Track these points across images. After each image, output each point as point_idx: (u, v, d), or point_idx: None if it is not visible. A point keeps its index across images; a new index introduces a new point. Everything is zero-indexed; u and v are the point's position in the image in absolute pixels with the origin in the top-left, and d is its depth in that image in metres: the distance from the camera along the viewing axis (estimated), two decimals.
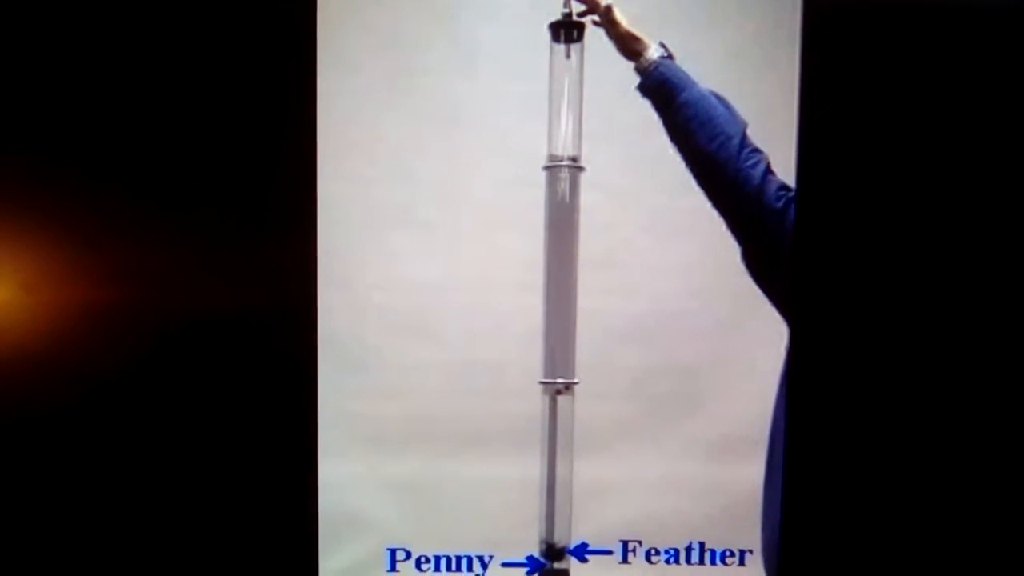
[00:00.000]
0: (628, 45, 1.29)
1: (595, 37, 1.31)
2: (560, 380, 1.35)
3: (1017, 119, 1.32)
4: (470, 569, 1.39)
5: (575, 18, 1.30)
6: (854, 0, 1.28)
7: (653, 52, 1.29)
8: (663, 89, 1.29)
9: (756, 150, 1.30)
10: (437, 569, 1.39)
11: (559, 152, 1.32)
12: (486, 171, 1.32)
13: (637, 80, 1.30)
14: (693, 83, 1.29)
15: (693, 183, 1.31)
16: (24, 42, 1.27)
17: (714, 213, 1.32)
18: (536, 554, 1.39)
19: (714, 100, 1.30)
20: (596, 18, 1.30)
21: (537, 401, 1.36)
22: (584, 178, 1.33)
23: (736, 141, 1.29)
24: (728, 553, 1.40)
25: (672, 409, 1.36)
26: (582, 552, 1.39)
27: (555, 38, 1.31)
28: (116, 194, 1.30)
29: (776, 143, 1.31)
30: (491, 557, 1.39)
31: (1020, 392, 1.35)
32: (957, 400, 1.35)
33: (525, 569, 1.39)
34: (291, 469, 1.35)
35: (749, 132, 1.30)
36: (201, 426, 1.34)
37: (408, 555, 1.38)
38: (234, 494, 1.35)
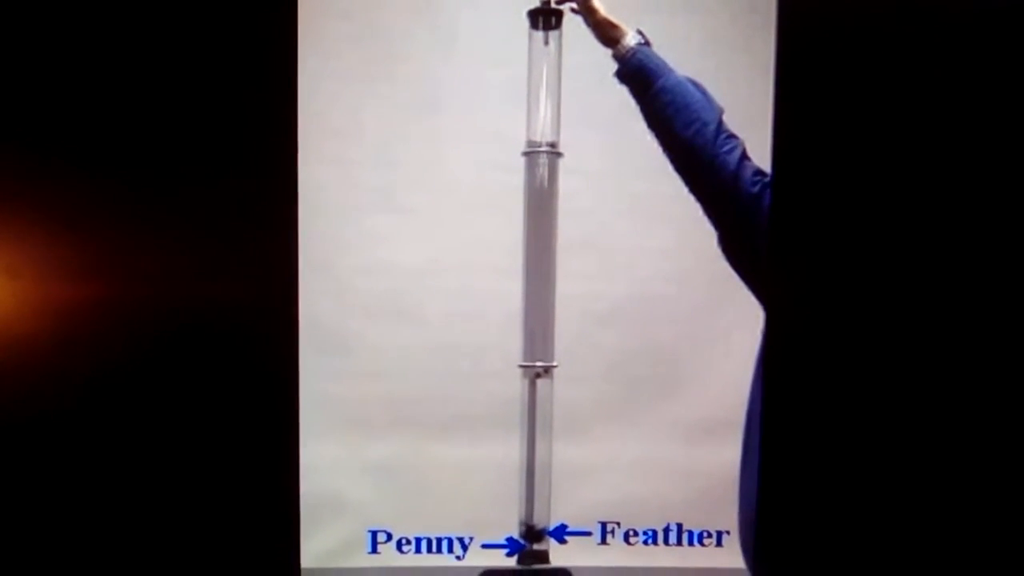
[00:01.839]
0: (606, 32, 1.31)
1: (573, 24, 1.32)
2: (539, 363, 1.37)
3: (993, 104, 1.33)
4: (450, 551, 1.41)
5: (553, 5, 1.32)
6: None
7: (630, 39, 1.30)
8: (640, 76, 1.31)
9: (732, 136, 1.32)
10: (418, 551, 1.40)
11: (538, 138, 1.34)
12: (466, 157, 1.34)
13: (615, 67, 1.31)
14: (670, 70, 1.31)
15: (670, 169, 1.33)
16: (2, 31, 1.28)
17: (691, 198, 1.33)
18: (516, 535, 1.41)
19: (691, 86, 1.31)
20: (574, 5, 1.31)
21: (517, 384, 1.38)
22: (563, 164, 1.34)
23: (712, 127, 1.31)
24: (706, 534, 1.41)
25: (650, 392, 1.38)
26: (561, 533, 1.41)
27: (533, 25, 1.32)
28: (97, 180, 1.31)
29: (752, 129, 1.32)
30: (471, 539, 1.40)
31: (994, 373, 1.36)
32: (933, 384, 1.37)
33: (505, 550, 1.41)
34: (272, 452, 1.36)
35: (725, 118, 1.32)
36: (181, 410, 1.35)
37: (389, 537, 1.40)
38: (215, 477, 1.36)
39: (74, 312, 1.32)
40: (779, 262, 1.35)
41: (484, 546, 1.41)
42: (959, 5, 1.32)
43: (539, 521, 1.40)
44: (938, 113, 1.33)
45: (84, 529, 1.35)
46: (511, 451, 1.39)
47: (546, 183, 1.34)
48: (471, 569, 1.41)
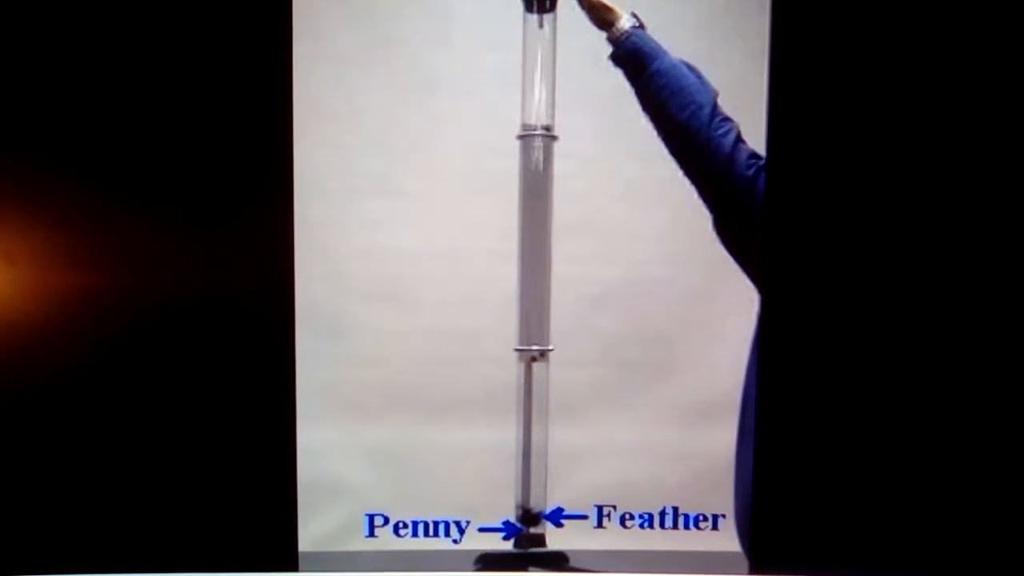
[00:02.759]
0: (600, 15, 1.31)
1: (568, 7, 1.32)
2: (535, 347, 1.37)
3: (986, 89, 1.33)
4: (447, 534, 1.41)
5: None
6: None
7: (625, 22, 1.31)
8: (635, 59, 1.31)
9: (727, 119, 1.32)
10: (415, 535, 1.41)
11: (533, 121, 1.34)
12: (461, 140, 1.33)
13: (609, 50, 1.32)
14: (664, 53, 1.31)
15: (665, 152, 1.33)
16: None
17: (686, 181, 1.34)
18: (512, 519, 1.41)
19: (685, 69, 1.32)
20: None
21: (512, 368, 1.38)
22: (558, 147, 1.34)
23: (707, 110, 1.32)
24: (702, 518, 1.42)
25: (646, 375, 1.38)
26: (557, 517, 1.41)
27: (528, 8, 1.32)
28: (92, 168, 1.31)
29: (747, 112, 1.33)
30: (468, 522, 1.41)
31: (990, 358, 1.37)
32: (927, 368, 1.37)
33: (501, 534, 1.41)
34: (269, 436, 1.37)
35: (720, 101, 1.32)
36: (179, 396, 1.35)
37: (386, 521, 1.40)
38: (213, 462, 1.37)
39: (69, 298, 1.32)
40: (774, 245, 1.35)
41: (481, 530, 1.41)
42: None
43: (535, 505, 1.41)
44: (931, 98, 1.34)
45: (81, 513, 1.36)
46: (507, 435, 1.39)
47: (541, 167, 1.34)
48: (468, 552, 1.41)
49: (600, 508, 1.42)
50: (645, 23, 1.31)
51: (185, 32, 1.30)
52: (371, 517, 1.40)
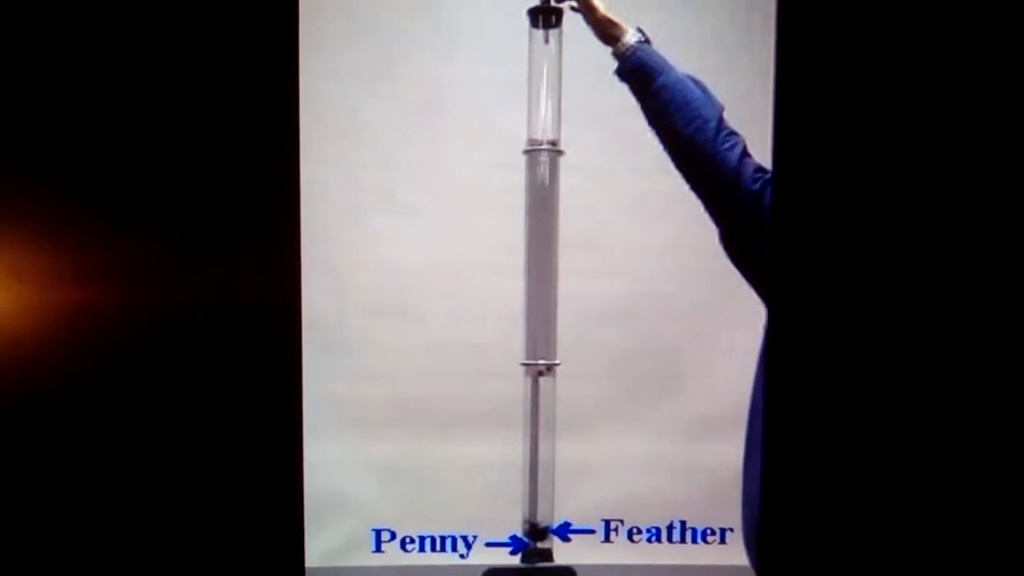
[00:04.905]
0: (606, 30, 1.31)
1: (573, 22, 1.32)
2: (542, 361, 1.37)
3: (989, 100, 1.33)
4: (454, 549, 1.41)
5: (553, 4, 1.32)
6: None
7: (630, 37, 1.31)
8: (640, 73, 1.31)
9: (733, 133, 1.32)
10: (422, 550, 1.41)
11: (539, 136, 1.34)
12: (467, 155, 1.34)
13: (615, 65, 1.32)
14: (670, 67, 1.31)
15: (671, 166, 1.33)
16: (9, 35, 1.28)
17: (692, 195, 1.34)
18: (519, 534, 1.41)
19: (691, 84, 1.32)
20: (574, 3, 1.32)
21: (519, 383, 1.38)
22: (563, 162, 1.35)
23: (713, 124, 1.32)
24: (709, 532, 1.41)
25: (652, 389, 1.38)
26: (565, 531, 1.41)
27: (534, 24, 1.32)
28: (101, 183, 1.31)
29: (752, 126, 1.33)
30: (475, 537, 1.41)
31: (995, 368, 1.36)
32: (934, 380, 1.37)
33: (508, 549, 1.41)
34: (276, 452, 1.37)
35: (726, 115, 1.32)
36: (186, 411, 1.35)
37: (393, 536, 1.40)
38: (220, 477, 1.36)
39: (76, 313, 1.32)
40: (780, 259, 1.35)
41: (488, 544, 1.41)
42: (956, 4, 1.32)
43: (543, 519, 1.40)
44: (936, 110, 1.33)
45: (89, 528, 1.36)
46: (514, 449, 1.39)
47: (547, 181, 1.34)
48: (475, 567, 1.41)
49: (607, 522, 1.41)
50: (651, 38, 1.32)
51: (192, 49, 1.30)
52: (378, 532, 1.40)
